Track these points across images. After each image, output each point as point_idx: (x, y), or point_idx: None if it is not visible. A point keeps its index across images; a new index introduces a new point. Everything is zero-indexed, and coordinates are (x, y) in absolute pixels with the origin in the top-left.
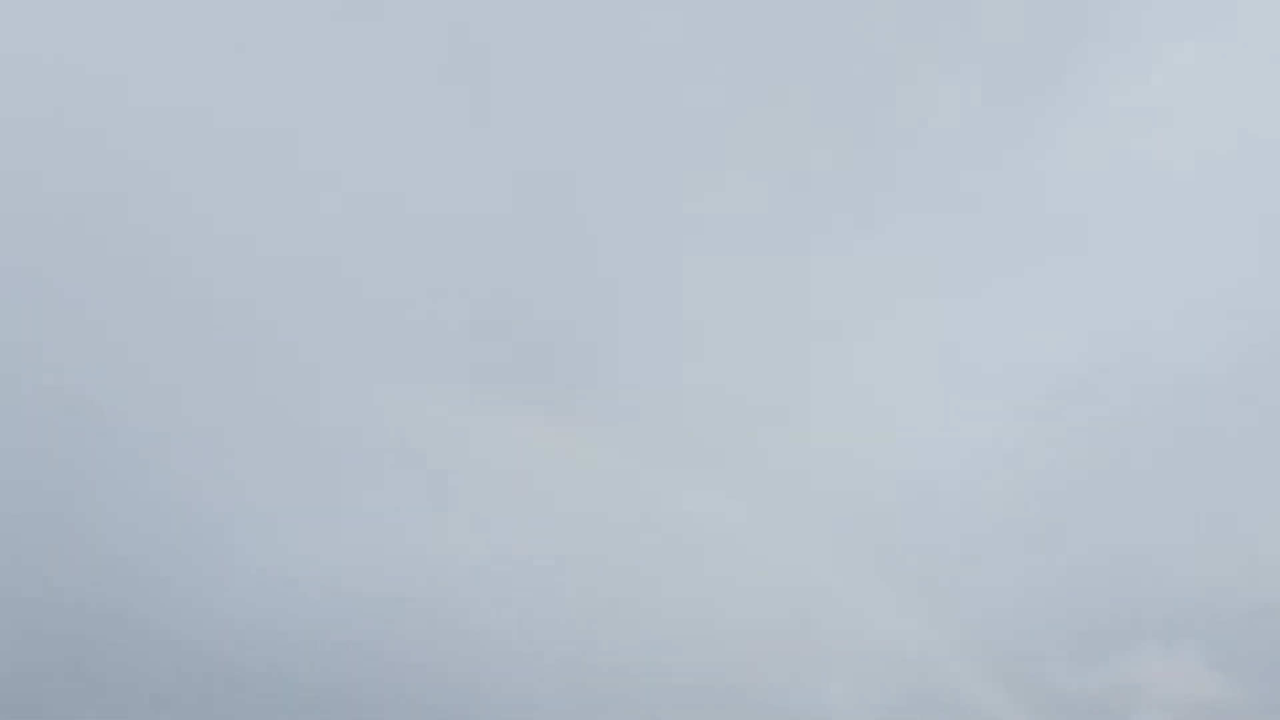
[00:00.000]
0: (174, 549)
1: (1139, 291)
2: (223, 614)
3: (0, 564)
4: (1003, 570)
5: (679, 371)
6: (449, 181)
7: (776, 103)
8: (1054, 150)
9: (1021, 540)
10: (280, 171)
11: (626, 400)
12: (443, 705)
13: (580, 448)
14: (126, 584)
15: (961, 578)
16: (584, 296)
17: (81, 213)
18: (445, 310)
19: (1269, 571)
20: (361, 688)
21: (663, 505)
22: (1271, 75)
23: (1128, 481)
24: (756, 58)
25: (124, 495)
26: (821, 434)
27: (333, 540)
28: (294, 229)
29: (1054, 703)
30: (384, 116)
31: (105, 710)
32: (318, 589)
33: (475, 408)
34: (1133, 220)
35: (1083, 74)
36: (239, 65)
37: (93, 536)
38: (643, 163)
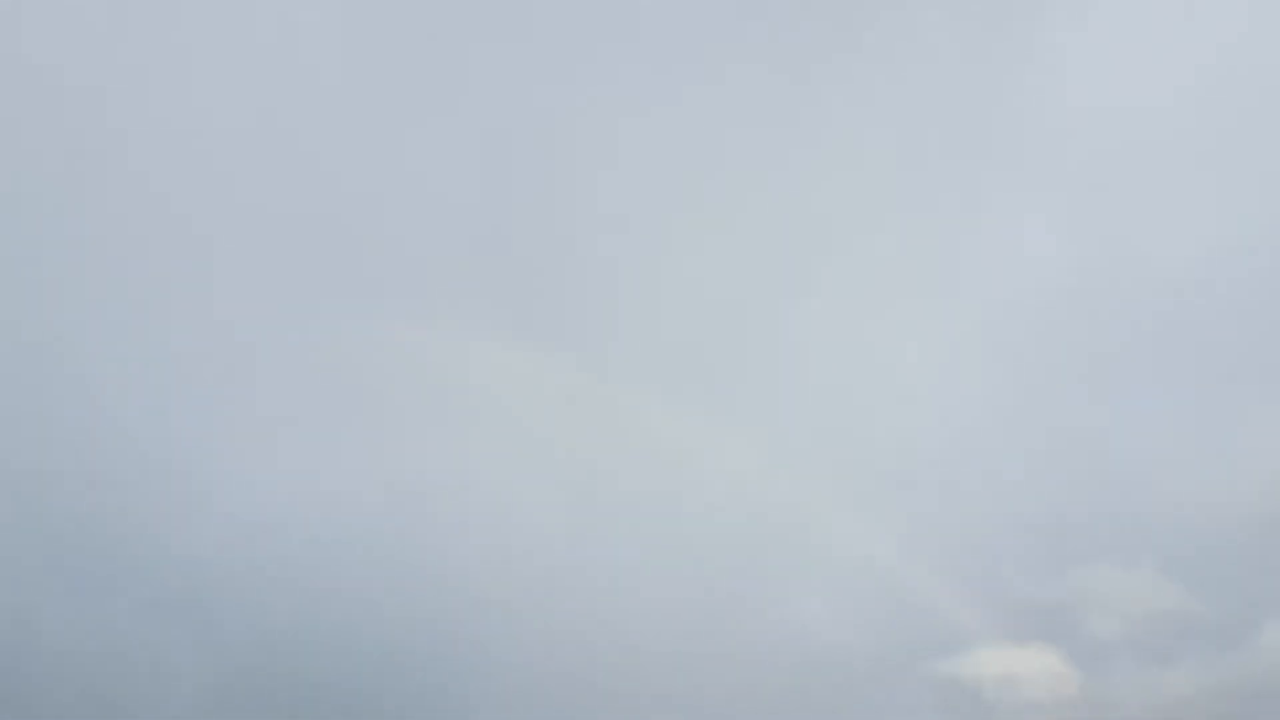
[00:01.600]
0: (162, 470)
1: (1123, 209)
2: (208, 535)
3: None
4: (969, 486)
5: (659, 290)
6: (428, 118)
7: (764, 29)
8: (1048, 63)
9: (988, 455)
10: (265, 110)
11: (604, 320)
12: (427, 616)
13: (558, 372)
14: (115, 506)
15: (930, 495)
16: (562, 219)
17: (73, 157)
18: (424, 240)
19: (1226, 486)
20: (343, 601)
21: (641, 426)
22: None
23: (1093, 399)
24: None
25: (113, 419)
26: (797, 357)
27: (313, 463)
28: (274, 162)
29: (1014, 611)
30: (368, 51)
31: (93, 621)
32: (300, 508)
33: (456, 336)
34: (1122, 133)
35: None
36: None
37: (85, 455)
38: (621, 89)
